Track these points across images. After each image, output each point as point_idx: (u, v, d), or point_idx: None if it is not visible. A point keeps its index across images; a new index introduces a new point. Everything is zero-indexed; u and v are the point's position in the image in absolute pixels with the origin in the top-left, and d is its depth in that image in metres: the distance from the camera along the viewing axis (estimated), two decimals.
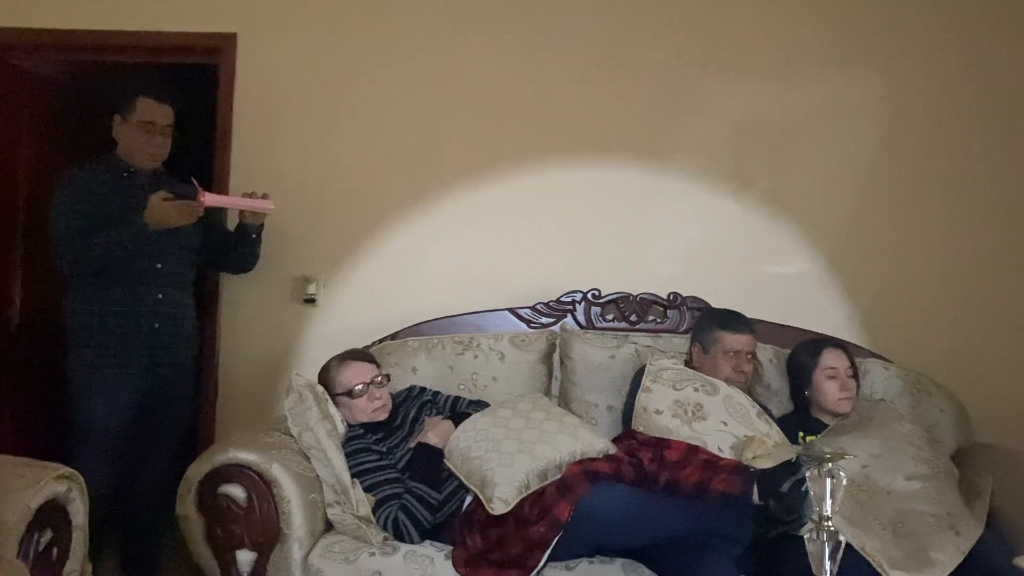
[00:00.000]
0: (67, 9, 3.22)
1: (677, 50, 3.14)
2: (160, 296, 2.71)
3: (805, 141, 3.13)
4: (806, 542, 1.68)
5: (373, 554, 2.23)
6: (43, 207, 2.71)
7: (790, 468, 2.09)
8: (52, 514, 1.77)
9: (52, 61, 3.53)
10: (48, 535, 1.77)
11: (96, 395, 2.63)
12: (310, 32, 3.21)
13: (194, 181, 2.62)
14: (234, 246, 2.89)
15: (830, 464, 1.64)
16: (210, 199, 2.60)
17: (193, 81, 3.48)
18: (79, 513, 1.83)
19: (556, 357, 2.90)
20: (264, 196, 2.74)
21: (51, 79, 3.57)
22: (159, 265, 2.71)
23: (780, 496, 2.07)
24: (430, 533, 2.31)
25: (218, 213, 2.90)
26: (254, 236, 2.86)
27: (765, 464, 2.19)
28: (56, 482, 1.76)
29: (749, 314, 2.73)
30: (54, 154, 3.38)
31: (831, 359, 2.64)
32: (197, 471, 2.25)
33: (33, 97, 3.48)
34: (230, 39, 3.19)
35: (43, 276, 3.35)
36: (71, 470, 1.82)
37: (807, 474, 2.00)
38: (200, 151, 3.30)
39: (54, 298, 3.01)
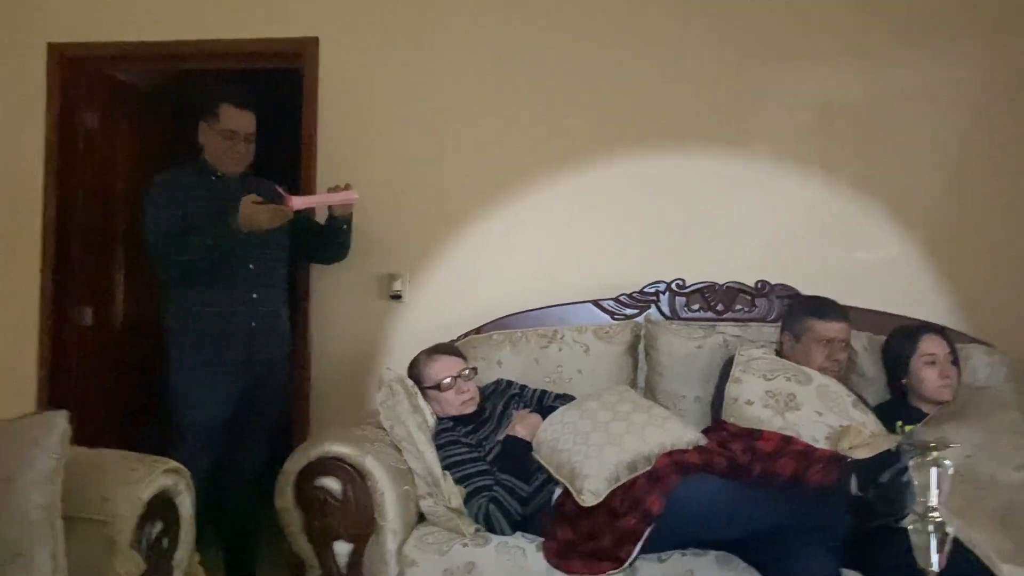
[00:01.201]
0: (157, 22, 3.34)
1: (758, 34, 3.08)
2: (255, 296, 2.80)
3: (893, 122, 3.02)
4: (910, 534, 1.63)
5: (466, 545, 2.26)
6: (140, 213, 2.82)
7: (889, 458, 2.04)
8: (162, 506, 1.85)
9: (145, 72, 3.67)
10: (159, 526, 1.85)
11: (196, 393, 2.73)
12: (388, 32, 3.25)
13: (278, 188, 2.68)
14: (327, 239, 2.95)
15: (935, 453, 1.58)
16: (297, 202, 2.66)
17: (279, 85, 3.58)
18: (186, 505, 1.91)
19: (641, 348, 2.88)
20: (347, 187, 2.77)
21: (144, 89, 3.72)
22: (251, 265, 2.79)
23: (879, 487, 2.02)
24: (520, 525, 2.32)
25: (306, 211, 2.97)
26: (345, 227, 2.90)
27: (863, 454, 2.14)
28: (165, 476, 1.84)
29: (841, 301, 2.66)
30: (150, 161, 3.52)
31: (929, 345, 2.55)
32: (294, 465, 2.31)
33: (129, 107, 3.64)
34: (312, 43, 3.26)
35: (142, 279, 3.50)
36: (178, 464, 1.90)
37: (910, 464, 1.95)
38: (287, 153, 3.39)
39: (152, 300, 3.15)
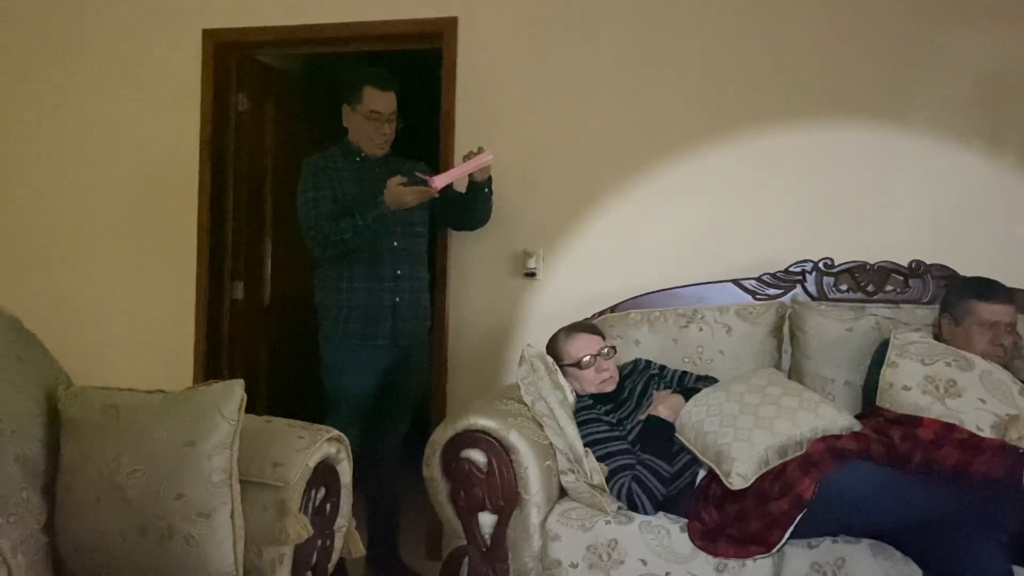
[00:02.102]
0: (302, 6, 3.44)
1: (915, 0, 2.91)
2: (399, 272, 2.88)
3: None
4: None
5: (609, 522, 2.27)
6: (287, 194, 2.93)
7: None
8: (325, 473, 1.93)
9: (291, 56, 3.81)
10: (322, 492, 1.94)
11: (346, 367, 2.84)
12: (525, 11, 3.25)
13: (420, 175, 2.70)
14: (470, 204, 2.95)
15: None
16: (440, 181, 2.69)
17: (417, 65, 3.65)
18: (346, 473, 1.99)
19: (786, 330, 2.80)
20: (480, 150, 2.77)
21: (290, 72, 3.87)
22: (396, 243, 2.87)
23: None
24: (663, 505, 2.32)
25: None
26: (486, 190, 2.91)
27: None
28: (328, 444, 1.93)
29: (1006, 283, 2.51)
30: (295, 143, 3.66)
31: None
32: (441, 435, 2.37)
33: (275, 90, 3.79)
34: (451, 23, 3.30)
35: (287, 256, 3.66)
36: (339, 433, 1.98)
37: None
38: (426, 132, 3.46)
39: (297, 276, 3.29)
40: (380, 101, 2.85)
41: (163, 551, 1.71)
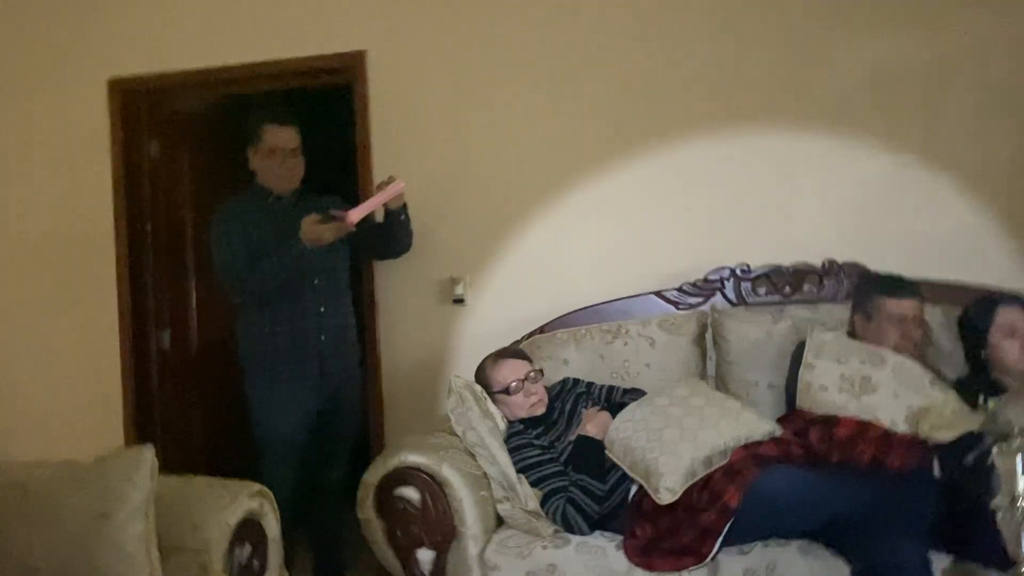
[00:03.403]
0: (207, 49, 3.40)
1: (808, 3, 2.99)
2: (322, 309, 2.86)
3: (959, 82, 2.89)
4: (998, 523, 1.59)
5: (546, 547, 2.28)
6: (207, 244, 2.89)
7: (972, 440, 1.99)
8: (250, 529, 1.91)
9: (201, 99, 3.76)
10: (248, 549, 1.92)
11: (275, 410, 2.80)
12: (435, 37, 3.26)
13: (333, 212, 2.67)
14: (389, 233, 2.95)
15: (1021, 439, 1.53)
16: (355, 215, 2.68)
17: (332, 100, 3.63)
18: (272, 527, 1.97)
19: (708, 338, 2.85)
20: (390, 179, 2.76)
21: (203, 115, 3.82)
22: (316, 280, 2.85)
23: (964, 470, 1.97)
24: (598, 524, 2.33)
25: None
26: (403, 217, 2.90)
27: (945, 436, 2.10)
28: (250, 499, 1.90)
29: (913, 274, 2.60)
30: (213, 187, 3.61)
31: (1008, 316, 2.46)
32: (373, 476, 2.36)
33: (188, 134, 3.73)
34: (360, 56, 3.29)
35: (213, 302, 3.60)
36: (262, 487, 1.96)
37: (993, 447, 1.90)
38: (345, 167, 3.44)
39: (224, 321, 3.24)
40: (280, 137, 2.84)
41: None
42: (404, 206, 2.88)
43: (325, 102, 3.81)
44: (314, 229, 2.64)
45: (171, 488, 1.87)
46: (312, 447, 2.89)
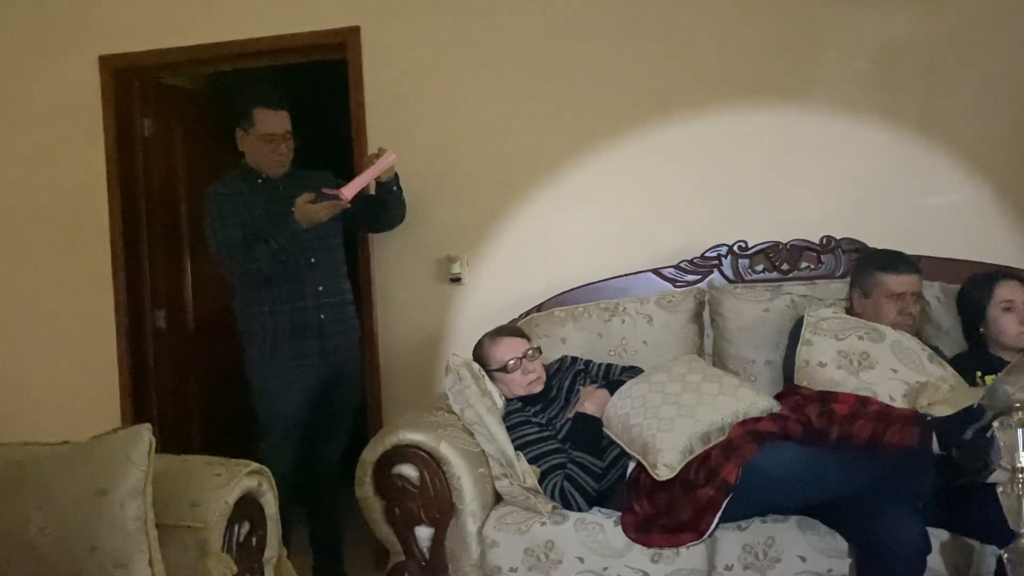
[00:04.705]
0: (201, 25, 3.37)
1: None
2: (321, 288, 2.84)
3: (960, 58, 2.88)
4: (999, 496, 1.59)
5: (544, 523, 2.29)
6: (201, 227, 2.86)
7: (971, 414, 1.98)
8: (248, 507, 1.90)
9: (195, 75, 3.73)
10: (246, 527, 1.91)
11: (276, 389, 2.79)
12: (430, 13, 3.23)
13: (325, 191, 2.65)
14: (381, 205, 2.94)
15: (1021, 414, 1.53)
16: (349, 191, 2.66)
17: (326, 74, 3.60)
18: (271, 504, 1.96)
19: (706, 315, 2.85)
20: (380, 151, 2.75)
21: (196, 92, 3.79)
22: (313, 260, 2.83)
23: (962, 444, 1.97)
24: (597, 500, 2.34)
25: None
26: (395, 188, 2.89)
27: (943, 411, 2.09)
28: (248, 478, 1.89)
29: (911, 251, 2.59)
30: (207, 163, 3.58)
31: (1006, 291, 2.46)
32: (371, 454, 2.36)
33: (182, 111, 3.71)
34: (354, 32, 3.26)
35: (208, 280, 3.59)
36: (260, 465, 1.94)
37: (994, 422, 1.89)
38: (335, 141, 3.42)
39: (219, 300, 3.22)
40: (273, 122, 2.80)
41: None
42: (396, 177, 2.87)
43: (314, 75, 3.77)
44: (309, 208, 2.63)
45: (169, 466, 1.86)
46: (312, 425, 2.89)
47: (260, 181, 2.84)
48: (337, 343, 2.89)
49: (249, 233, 2.71)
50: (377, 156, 2.74)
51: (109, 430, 1.82)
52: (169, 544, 1.76)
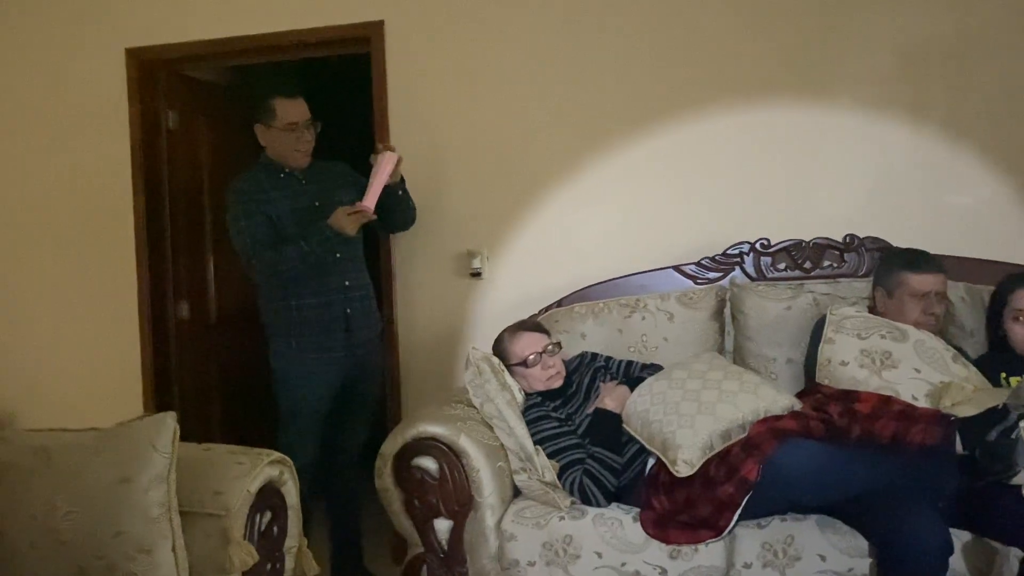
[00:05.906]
0: (227, 19, 3.39)
1: None
2: (347, 283, 2.85)
3: (985, 55, 2.85)
4: None
5: (563, 518, 2.29)
6: (225, 222, 2.86)
7: (995, 415, 1.97)
8: (269, 496, 1.92)
9: (219, 68, 3.75)
10: (268, 516, 1.93)
11: (301, 381, 2.80)
12: (453, 7, 3.23)
13: (346, 209, 2.68)
14: (390, 208, 2.90)
15: None
16: (370, 201, 2.67)
17: (349, 69, 3.61)
18: (292, 494, 1.99)
19: (727, 313, 2.83)
20: (376, 151, 2.73)
21: (220, 84, 3.81)
22: (339, 254, 2.83)
23: (986, 445, 1.95)
24: (615, 496, 2.34)
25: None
26: (400, 191, 2.88)
27: (967, 411, 2.07)
28: (270, 467, 1.92)
29: (935, 250, 2.57)
30: (231, 156, 3.61)
31: (1021, 300, 2.41)
32: (391, 447, 2.37)
33: (206, 104, 3.74)
34: (378, 26, 3.27)
35: (230, 272, 3.61)
36: (281, 455, 1.97)
37: (1021, 422, 1.88)
38: (357, 135, 3.43)
39: (241, 292, 3.23)
40: (294, 110, 2.80)
41: None
42: (402, 180, 2.86)
43: (334, 69, 3.78)
44: (346, 220, 2.65)
45: (192, 455, 1.89)
46: (333, 417, 2.90)
47: (282, 176, 2.85)
48: (362, 336, 2.90)
49: (274, 229, 2.73)
50: (379, 154, 2.73)
51: (134, 417, 1.84)
52: (192, 531, 1.78)
